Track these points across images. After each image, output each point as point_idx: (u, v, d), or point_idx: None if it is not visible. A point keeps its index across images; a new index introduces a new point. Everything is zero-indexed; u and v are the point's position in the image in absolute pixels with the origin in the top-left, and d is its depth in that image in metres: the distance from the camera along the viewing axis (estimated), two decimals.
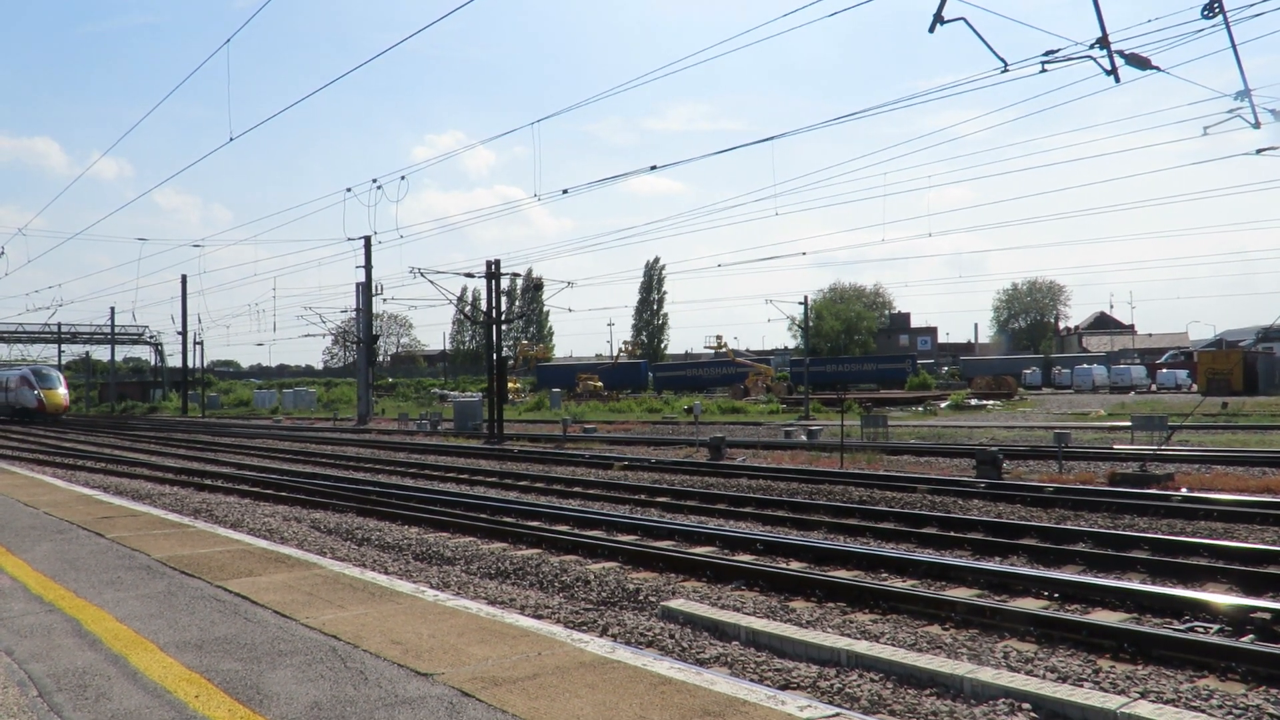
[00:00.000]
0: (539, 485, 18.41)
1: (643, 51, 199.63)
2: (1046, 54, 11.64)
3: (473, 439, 34.70)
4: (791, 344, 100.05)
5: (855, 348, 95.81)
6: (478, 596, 8.43)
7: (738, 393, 65.34)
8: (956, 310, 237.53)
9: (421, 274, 36.56)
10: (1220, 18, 10.47)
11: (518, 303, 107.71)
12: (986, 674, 5.63)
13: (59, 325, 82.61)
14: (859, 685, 5.76)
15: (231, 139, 20.92)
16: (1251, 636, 6.93)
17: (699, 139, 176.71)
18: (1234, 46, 10.92)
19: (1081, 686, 5.70)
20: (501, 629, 5.86)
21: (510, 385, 64.35)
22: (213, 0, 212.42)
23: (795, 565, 9.96)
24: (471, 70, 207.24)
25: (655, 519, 13.33)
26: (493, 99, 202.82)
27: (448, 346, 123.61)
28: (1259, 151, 16.33)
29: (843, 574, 9.37)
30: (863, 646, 6.29)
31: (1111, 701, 5.05)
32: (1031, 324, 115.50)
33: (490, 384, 35.84)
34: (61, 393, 60.20)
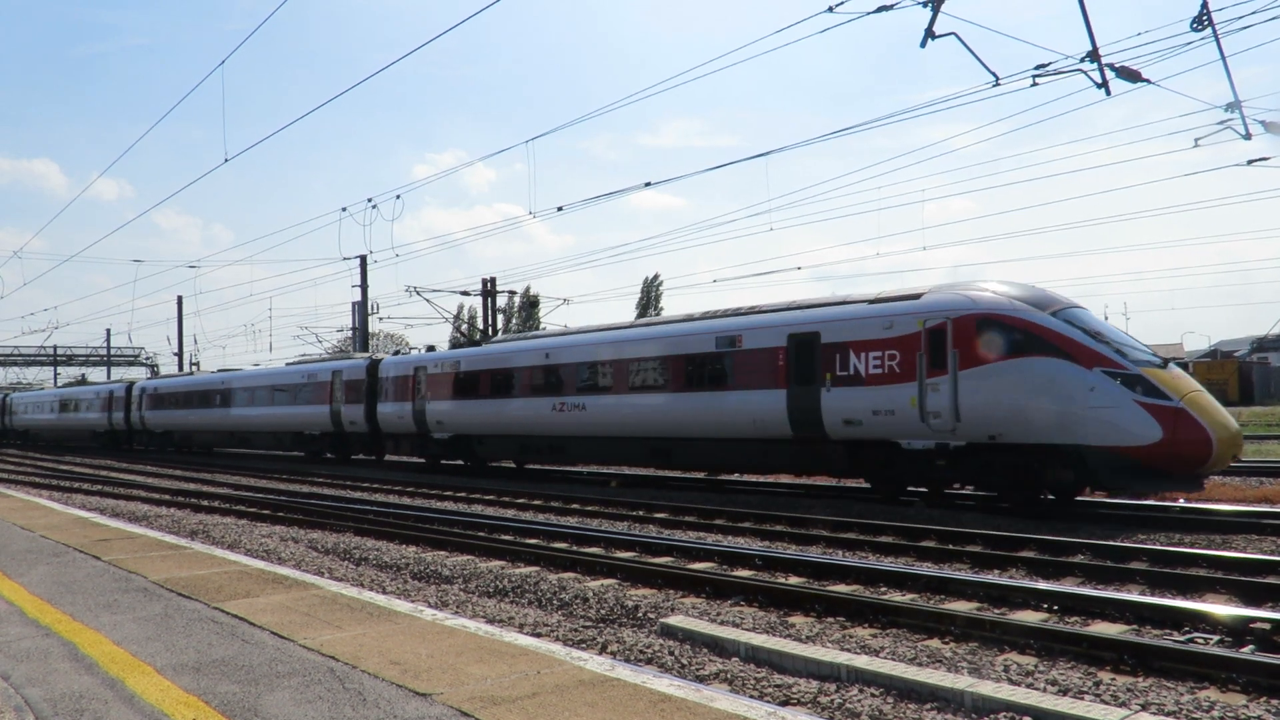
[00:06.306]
0: (536, 502, 18.36)
1: (636, 69, 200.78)
2: (1037, 68, 11.75)
3: None
4: None
5: None
6: (476, 615, 8.40)
7: None
8: None
9: (417, 292, 36.32)
10: (1209, 30, 10.57)
11: (514, 320, 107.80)
12: (987, 687, 5.61)
13: (55, 348, 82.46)
14: (860, 700, 5.74)
15: (227, 160, 20.92)
16: (1252, 647, 6.91)
17: (693, 155, 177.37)
18: (1223, 58, 11.01)
19: (1083, 699, 5.69)
20: (500, 648, 5.84)
21: None
22: (208, 22, 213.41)
23: (794, 580, 9.94)
24: (470, 88, 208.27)
25: (653, 535, 13.29)
26: (492, 117, 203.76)
27: None
28: (1250, 163, 16.42)
29: (842, 588, 9.35)
30: (863, 661, 6.28)
31: (1113, 714, 5.04)
32: None
33: None
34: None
